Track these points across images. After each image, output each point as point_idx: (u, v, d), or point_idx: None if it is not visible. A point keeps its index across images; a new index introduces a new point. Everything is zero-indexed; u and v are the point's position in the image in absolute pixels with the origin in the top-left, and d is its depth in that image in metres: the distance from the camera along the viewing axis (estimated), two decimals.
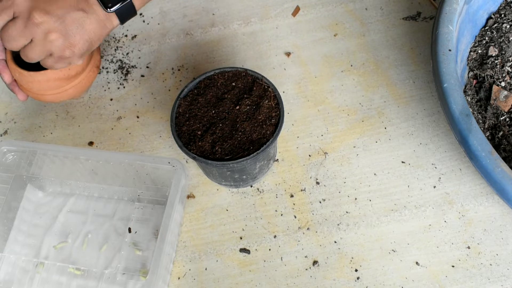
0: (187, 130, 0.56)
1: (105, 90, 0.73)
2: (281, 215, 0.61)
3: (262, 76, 0.58)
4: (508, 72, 0.62)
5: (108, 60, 0.75)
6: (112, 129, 0.69)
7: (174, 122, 0.57)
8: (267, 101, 0.57)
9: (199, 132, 0.56)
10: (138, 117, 0.70)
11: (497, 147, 0.58)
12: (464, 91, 0.62)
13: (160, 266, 0.52)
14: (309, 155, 0.65)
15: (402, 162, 0.63)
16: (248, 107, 0.57)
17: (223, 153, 0.55)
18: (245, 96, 0.58)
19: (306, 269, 0.58)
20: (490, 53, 0.63)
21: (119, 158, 0.58)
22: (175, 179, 0.56)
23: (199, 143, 0.55)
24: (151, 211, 0.61)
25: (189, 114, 0.57)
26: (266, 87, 0.58)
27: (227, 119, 0.57)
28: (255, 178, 0.62)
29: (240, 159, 0.54)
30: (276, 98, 0.57)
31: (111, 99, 0.72)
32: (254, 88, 0.58)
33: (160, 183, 0.60)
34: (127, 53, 0.75)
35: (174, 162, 0.57)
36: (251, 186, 0.63)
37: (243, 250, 0.60)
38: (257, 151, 0.54)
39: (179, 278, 0.59)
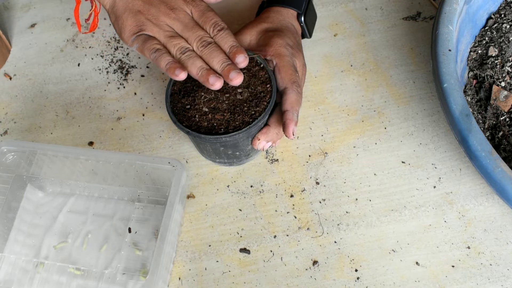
0: (182, 107, 0.58)
1: (105, 90, 0.73)
2: (281, 215, 0.61)
3: (255, 54, 0.59)
4: (508, 72, 0.62)
5: (108, 60, 0.75)
6: (112, 129, 0.69)
7: (169, 100, 0.58)
8: (259, 78, 0.58)
9: (193, 108, 0.57)
10: (138, 117, 0.70)
11: (497, 147, 0.58)
12: (464, 91, 0.62)
13: (160, 266, 0.52)
14: (309, 155, 0.65)
15: (402, 162, 0.63)
16: (241, 85, 0.58)
17: (216, 128, 0.56)
18: None
19: (306, 269, 0.58)
20: (490, 53, 0.63)
21: (119, 158, 0.58)
22: (175, 179, 0.57)
23: (193, 119, 0.57)
24: (151, 211, 0.61)
25: (184, 92, 0.59)
26: (259, 65, 0.59)
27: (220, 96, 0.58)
28: (248, 156, 0.63)
29: (233, 133, 0.55)
30: (269, 75, 0.58)
31: (111, 99, 0.72)
32: (248, 67, 0.59)
33: (160, 183, 0.60)
34: (127, 53, 0.75)
35: (174, 162, 0.57)
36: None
37: (243, 250, 0.60)
38: (249, 125, 0.55)
39: (179, 278, 0.59)
